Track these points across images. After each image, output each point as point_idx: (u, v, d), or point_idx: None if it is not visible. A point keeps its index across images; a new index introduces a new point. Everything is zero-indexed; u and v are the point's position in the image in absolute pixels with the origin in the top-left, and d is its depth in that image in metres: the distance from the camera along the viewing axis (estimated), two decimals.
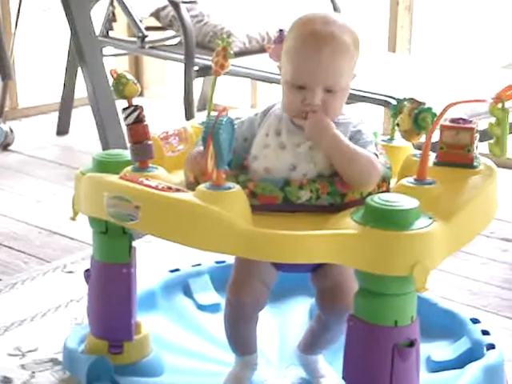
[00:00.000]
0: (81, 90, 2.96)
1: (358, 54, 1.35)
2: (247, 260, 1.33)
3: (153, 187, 1.29)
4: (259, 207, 1.29)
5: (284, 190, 1.30)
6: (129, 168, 1.40)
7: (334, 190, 1.30)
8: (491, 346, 1.56)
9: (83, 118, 3.32)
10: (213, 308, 1.78)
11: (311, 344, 1.52)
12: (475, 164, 1.38)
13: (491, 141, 1.34)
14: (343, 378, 1.30)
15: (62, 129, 3.33)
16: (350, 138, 1.33)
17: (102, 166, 1.44)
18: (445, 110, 1.30)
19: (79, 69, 2.70)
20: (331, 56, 1.30)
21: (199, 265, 1.89)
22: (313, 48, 1.30)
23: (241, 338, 1.48)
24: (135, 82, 1.42)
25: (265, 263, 1.38)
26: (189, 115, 2.81)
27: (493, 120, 1.32)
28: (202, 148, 1.29)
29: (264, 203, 1.30)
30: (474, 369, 1.48)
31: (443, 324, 1.66)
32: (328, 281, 1.42)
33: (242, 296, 1.40)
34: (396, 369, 1.25)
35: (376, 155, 1.34)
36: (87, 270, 1.55)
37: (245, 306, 1.41)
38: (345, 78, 1.32)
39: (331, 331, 1.48)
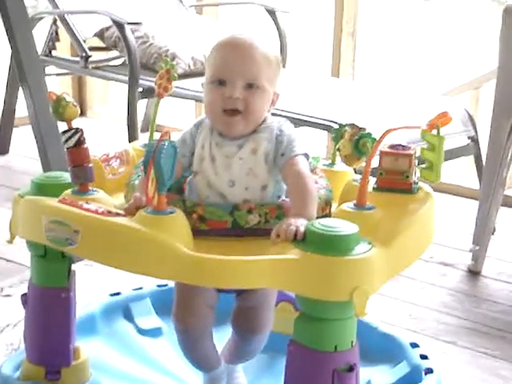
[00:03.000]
0: (22, 108, 2.91)
1: (277, 71, 1.37)
2: (187, 284, 1.33)
3: (92, 211, 1.27)
4: (208, 232, 1.29)
5: (233, 214, 1.30)
6: (68, 191, 1.37)
7: (282, 214, 1.30)
8: (429, 371, 1.58)
9: (24, 138, 3.26)
10: (154, 332, 1.76)
11: (229, 355, 1.54)
12: (413, 190, 1.40)
13: (423, 166, 1.36)
14: None
15: (2, 148, 3.27)
16: (276, 142, 1.34)
17: (41, 188, 1.41)
18: (383, 136, 1.32)
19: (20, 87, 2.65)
20: (250, 52, 1.33)
21: (140, 288, 1.87)
22: (232, 47, 1.34)
23: (199, 357, 1.49)
24: (75, 104, 1.41)
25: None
26: (132, 137, 2.79)
27: (425, 145, 1.35)
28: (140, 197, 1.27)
29: (213, 228, 1.30)
30: None
31: (383, 348, 1.67)
32: (249, 300, 1.44)
33: (188, 322, 1.41)
34: None
35: (307, 155, 1.35)
36: (24, 294, 1.51)
37: (193, 330, 1.42)
38: (264, 77, 1.33)
39: (246, 347, 1.51)
